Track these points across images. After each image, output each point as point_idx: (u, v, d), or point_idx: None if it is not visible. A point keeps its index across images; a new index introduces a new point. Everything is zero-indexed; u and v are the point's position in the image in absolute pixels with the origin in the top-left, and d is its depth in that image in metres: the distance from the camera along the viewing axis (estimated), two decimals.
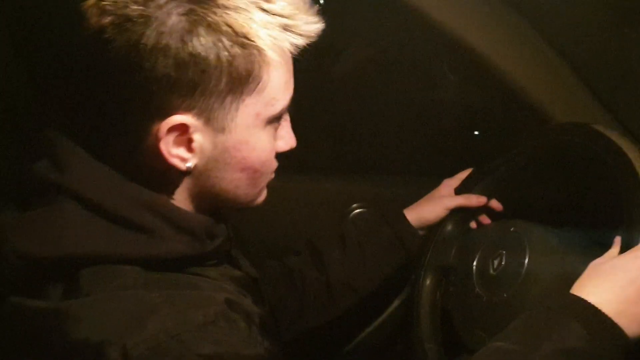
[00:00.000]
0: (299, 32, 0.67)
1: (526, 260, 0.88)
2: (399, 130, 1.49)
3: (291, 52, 0.69)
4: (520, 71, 1.21)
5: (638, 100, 1.21)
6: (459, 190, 1.13)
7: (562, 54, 1.22)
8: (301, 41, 0.68)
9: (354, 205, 1.38)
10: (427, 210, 1.13)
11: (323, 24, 0.69)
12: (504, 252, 0.93)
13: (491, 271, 0.93)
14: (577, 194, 1.19)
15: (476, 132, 1.46)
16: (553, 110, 1.17)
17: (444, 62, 1.43)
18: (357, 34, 1.41)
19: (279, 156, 0.79)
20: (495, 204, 1.12)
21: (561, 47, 1.21)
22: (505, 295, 0.88)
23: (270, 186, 0.81)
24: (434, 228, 1.12)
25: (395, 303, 1.31)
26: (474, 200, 1.10)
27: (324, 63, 1.43)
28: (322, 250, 1.11)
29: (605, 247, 0.80)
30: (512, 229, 0.96)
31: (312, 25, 0.68)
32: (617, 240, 0.78)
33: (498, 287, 0.91)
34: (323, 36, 0.71)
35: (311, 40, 0.69)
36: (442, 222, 1.12)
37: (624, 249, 0.76)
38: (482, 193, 1.11)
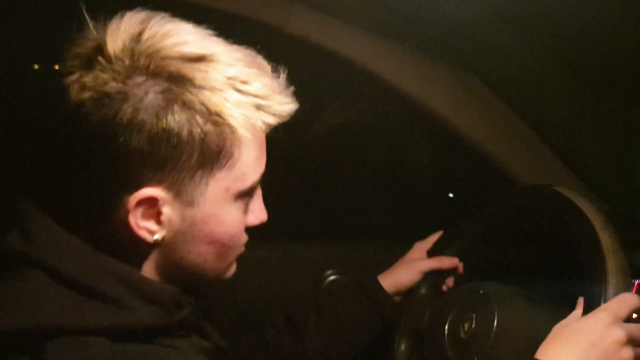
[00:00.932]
0: (271, 112, 0.69)
1: (495, 323, 0.89)
2: (372, 196, 1.51)
3: (264, 130, 0.71)
4: (487, 136, 1.26)
5: (601, 162, 1.26)
6: (431, 253, 1.15)
7: (527, 119, 1.27)
8: (273, 120, 0.70)
9: (329, 271, 1.38)
10: (401, 276, 1.13)
11: (296, 105, 0.72)
12: (474, 315, 0.94)
13: (462, 334, 0.94)
14: (545, 254, 1.21)
15: (450, 195, 1.49)
16: (518, 172, 1.21)
17: (415, 130, 1.47)
18: (331, 102, 1.45)
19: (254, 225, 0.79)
20: (462, 265, 1.13)
21: (526, 114, 1.27)
22: (475, 359, 0.88)
23: (244, 254, 0.82)
24: (408, 292, 1.13)
25: None
26: (446, 262, 1.12)
27: (299, 130, 1.46)
28: (297, 320, 1.11)
29: (572, 305, 0.82)
30: (481, 291, 0.97)
31: (285, 106, 0.71)
32: (580, 301, 0.80)
33: (469, 351, 0.91)
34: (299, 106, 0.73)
35: (283, 119, 0.71)
36: (415, 285, 1.12)
37: (586, 310, 0.78)
38: (453, 254, 1.13)
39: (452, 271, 1.14)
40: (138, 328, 0.68)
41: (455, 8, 1.10)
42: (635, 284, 1.32)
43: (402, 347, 1.08)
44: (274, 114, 0.70)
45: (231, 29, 0.73)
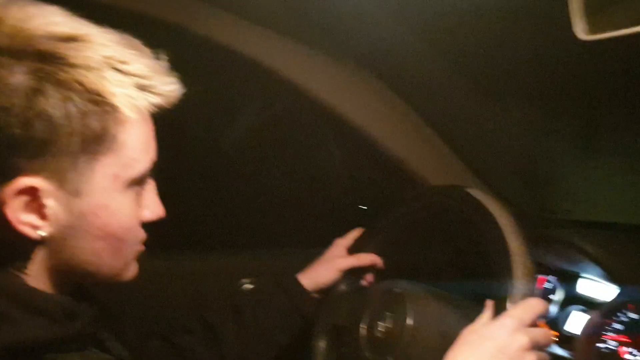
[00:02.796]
0: (156, 92, 0.65)
1: (408, 322, 0.89)
2: (287, 203, 1.50)
3: (150, 113, 0.67)
4: (397, 141, 1.28)
5: (502, 165, 1.31)
6: (351, 250, 1.14)
7: (434, 124, 1.30)
8: (159, 101, 0.66)
9: (244, 280, 1.35)
10: (320, 274, 1.12)
11: (182, 88, 0.69)
12: (389, 314, 0.94)
13: (377, 333, 0.93)
14: (459, 253, 1.24)
15: (363, 207, 1.50)
16: (425, 175, 1.23)
17: (328, 137, 1.48)
18: (242, 108, 1.43)
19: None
20: (382, 262, 1.13)
21: (433, 119, 1.30)
22: (389, 359, 0.88)
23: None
24: (328, 290, 1.12)
25: None
26: (365, 259, 1.12)
27: (209, 136, 1.43)
28: (215, 324, 1.06)
29: (483, 305, 0.83)
30: (395, 290, 0.97)
31: (170, 86, 0.67)
32: (489, 304, 0.81)
33: (383, 350, 0.91)
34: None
35: (171, 102, 0.68)
36: (335, 282, 1.11)
37: (494, 314, 0.79)
38: (373, 251, 1.13)
39: (371, 268, 1.13)
40: (22, 344, 0.62)
41: (363, 14, 1.11)
42: (542, 279, 1.38)
43: (321, 343, 1.07)
44: (159, 94, 0.66)
45: (136, 29, 0.69)
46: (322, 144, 1.46)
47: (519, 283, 0.79)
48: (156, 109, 0.67)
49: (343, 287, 1.11)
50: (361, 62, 1.24)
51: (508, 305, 0.78)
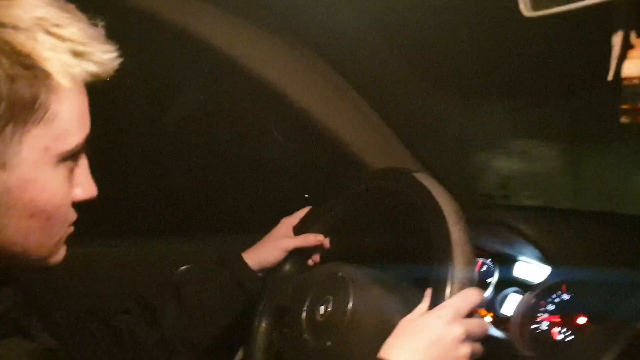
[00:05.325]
0: (93, 59, 0.61)
1: (349, 307, 0.88)
2: (230, 188, 1.47)
3: (85, 82, 0.63)
4: (341, 125, 1.27)
5: (442, 149, 1.33)
6: (297, 229, 1.13)
7: (379, 110, 1.30)
8: (96, 69, 0.62)
9: (184, 267, 1.31)
10: (266, 253, 1.10)
11: (120, 57, 0.65)
12: (331, 297, 0.93)
13: (319, 317, 0.92)
14: (405, 238, 1.24)
15: (306, 195, 1.49)
16: (371, 160, 1.23)
17: (272, 120, 1.46)
18: (185, 88, 1.39)
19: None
20: (329, 243, 1.12)
21: (378, 104, 1.30)
22: (329, 343, 0.87)
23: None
24: (272, 269, 1.10)
25: (240, 354, 1.25)
26: (312, 239, 1.10)
27: (149, 115, 1.38)
28: (154, 304, 1.03)
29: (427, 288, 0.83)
30: (339, 274, 0.96)
31: (107, 54, 0.63)
32: (428, 294, 0.81)
33: (323, 334, 0.89)
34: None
35: (108, 72, 0.64)
36: (280, 262, 1.10)
37: (432, 303, 0.79)
38: (319, 232, 1.11)
39: (317, 248, 1.12)
40: None
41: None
42: (479, 263, 1.41)
43: (263, 323, 1.05)
44: (95, 62, 0.62)
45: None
46: (266, 127, 1.44)
47: (458, 273, 0.79)
48: (92, 79, 0.63)
49: (288, 267, 1.10)
50: (309, 45, 1.23)
51: (446, 295, 0.78)
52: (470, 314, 0.79)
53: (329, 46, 1.22)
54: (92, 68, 0.62)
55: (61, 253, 0.71)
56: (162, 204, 1.45)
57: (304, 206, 1.18)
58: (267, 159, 1.49)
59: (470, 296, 0.79)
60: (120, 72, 0.66)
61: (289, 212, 1.19)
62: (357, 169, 1.27)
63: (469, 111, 1.27)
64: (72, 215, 0.69)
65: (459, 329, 0.76)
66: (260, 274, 1.09)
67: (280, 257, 1.10)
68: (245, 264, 1.07)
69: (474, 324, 0.78)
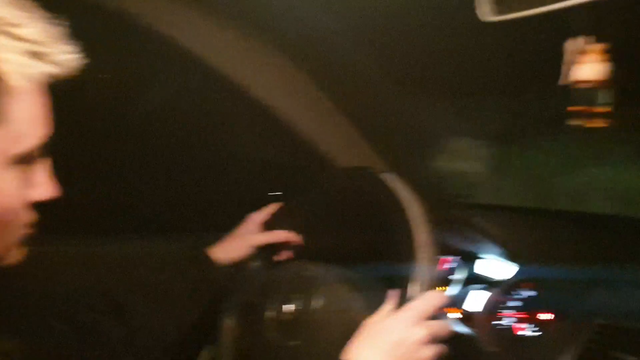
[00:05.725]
0: (51, 60, 0.60)
1: (316, 307, 0.89)
2: (197, 187, 1.46)
3: (44, 83, 0.62)
4: (309, 125, 1.28)
5: (407, 149, 1.34)
6: (264, 227, 1.12)
7: (346, 109, 1.31)
8: (55, 70, 0.61)
9: (151, 264, 1.30)
10: (233, 249, 1.10)
11: (82, 58, 0.64)
12: (299, 296, 0.93)
13: (284, 316, 0.92)
14: (370, 237, 1.25)
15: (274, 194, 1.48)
16: (337, 159, 1.24)
17: (239, 118, 1.45)
18: (149, 86, 1.37)
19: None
20: (297, 239, 1.12)
21: (345, 104, 1.30)
22: (295, 342, 0.88)
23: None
24: (241, 266, 1.10)
25: (207, 350, 1.24)
26: (280, 236, 1.10)
27: (114, 114, 1.36)
28: (120, 299, 1.01)
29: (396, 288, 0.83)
30: (307, 273, 0.96)
31: (67, 55, 0.62)
32: (392, 294, 0.82)
33: (290, 333, 0.90)
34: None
35: (69, 72, 0.63)
36: (249, 258, 1.10)
37: (397, 306, 0.80)
38: (287, 228, 1.11)
39: (286, 245, 1.12)
40: None
41: None
42: (445, 261, 1.43)
43: (230, 320, 1.04)
44: (54, 63, 0.60)
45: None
46: (233, 125, 1.43)
47: (422, 274, 0.80)
48: (52, 80, 0.62)
49: (256, 264, 1.09)
50: (276, 43, 1.22)
51: (410, 296, 0.79)
52: (434, 316, 0.80)
53: (296, 45, 1.22)
54: (51, 69, 0.60)
55: (15, 255, 0.69)
56: (129, 202, 1.43)
57: (270, 203, 1.18)
58: (234, 157, 1.48)
59: (434, 298, 0.80)
60: (85, 71, 0.65)
61: (256, 209, 1.19)
62: (324, 168, 1.27)
63: (434, 112, 1.28)
64: (28, 217, 0.68)
65: (422, 331, 0.76)
66: (227, 271, 1.09)
67: (247, 253, 1.09)
68: (212, 260, 1.07)
69: (437, 325, 0.79)
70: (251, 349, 0.99)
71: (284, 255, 1.13)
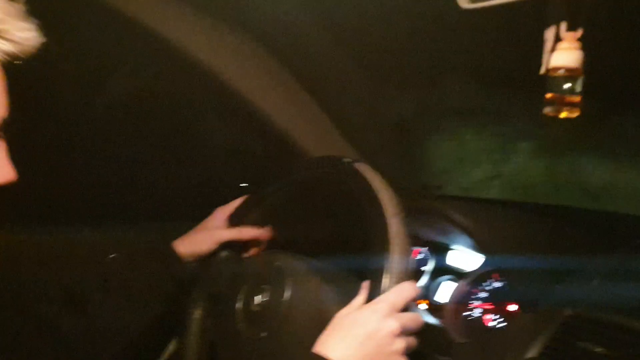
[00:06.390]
0: (8, 37, 0.58)
1: (286, 298, 0.86)
2: (165, 175, 1.43)
3: (2, 63, 0.59)
4: (280, 113, 1.26)
5: (380, 140, 1.33)
6: (232, 220, 1.10)
7: (318, 99, 1.30)
8: (12, 48, 0.58)
9: (112, 255, 1.26)
10: (198, 242, 1.07)
11: (41, 36, 0.61)
12: (268, 287, 0.91)
13: (254, 307, 0.90)
14: (342, 227, 1.24)
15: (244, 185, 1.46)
16: (310, 149, 1.22)
17: (210, 106, 1.42)
18: (115, 69, 1.33)
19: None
20: (266, 233, 1.10)
21: (318, 93, 1.29)
22: (263, 334, 0.86)
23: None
24: (210, 255, 1.07)
25: (172, 345, 1.22)
26: (247, 232, 1.08)
27: (77, 97, 1.31)
28: (78, 292, 0.98)
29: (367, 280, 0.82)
30: (277, 263, 0.94)
31: (25, 33, 0.59)
32: (364, 286, 0.80)
33: (258, 324, 0.88)
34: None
35: (26, 51, 0.60)
36: (217, 249, 1.07)
37: (368, 298, 0.78)
38: (255, 222, 1.09)
39: (253, 241, 1.10)
40: None
41: None
42: (415, 252, 1.43)
43: (198, 310, 1.02)
44: (11, 41, 0.58)
45: None
46: (203, 113, 1.40)
47: (394, 266, 0.79)
48: (8, 59, 0.59)
49: (224, 254, 1.07)
50: (249, 32, 1.20)
51: (382, 288, 0.78)
52: (406, 308, 0.79)
53: (269, 34, 1.19)
54: (7, 47, 0.58)
55: None
56: (93, 190, 1.39)
57: (240, 194, 1.15)
58: (203, 146, 1.45)
59: (406, 290, 0.78)
60: (45, 52, 0.62)
61: (225, 199, 1.16)
62: (296, 157, 1.25)
63: (407, 102, 1.28)
64: None
65: (393, 324, 0.75)
66: (192, 264, 1.06)
67: (213, 248, 1.07)
68: (176, 254, 1.04)
69: (408, 318, 0.78)
70: (219, 340, 0.97)
71: (252, 249, 1.11)
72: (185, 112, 1.39)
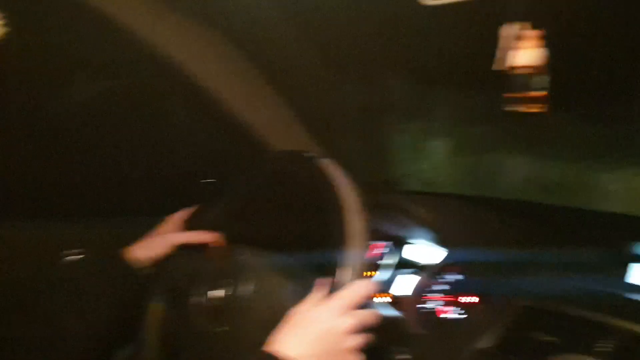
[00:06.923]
0: None
1: (246, 293, 0.87)
2: (129, 170, 1.40)
3: None
4: (244, 107, 1.25)
5: (345, 135, 1.34)
6: (188, 225, 1.09)
7: (283, 93, 1.29)
8: None
9: (71, 256, 1.24)
10: (153, 248, 1.05)
11: (6, 25, 0.59)
12: (228, 282, 0.91)
13: (215, 301, 0.90)
14: (303, 223, 1.24)
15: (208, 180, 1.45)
16: (274, 143, 1.22)
17: (174, 100, 1.41)
18: (80, 63, 1.30)
19: None
20: (221, 237, 1.09)
21: (282, 88, 1.29)
22: (223, 328, 0.86)
23: None
24: (160, 265, 1.06)
25: (123, 351, 1.20)
26: (202, 236, 1.06)
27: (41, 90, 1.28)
28: (28, 301, 0.96)
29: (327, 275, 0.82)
30: (238, 258, 0.94)
31: None
32: (322, 283, 0.80)
33: (218, 319, 0.88)
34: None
35: None
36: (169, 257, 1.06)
37: (325, 295, 0.78)
38: (211, 225, 1.08)
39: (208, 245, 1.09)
40: None
41: None
42: (377, 246, 1.45)
43: (158, 303, 1.01)
44: None
45: None
46: (167, 108, 1.38)
47: (352, 263, 0.79)
48: None
49: (184, 251, 1.06)
50: (212, 25, 1.19)
51: (339, 285, 0.78)
52: (363, 304, 0.79)
53: (233, 27, 1.19)
54: None
55: None
56: (56, 185, 1.36)
57: (206, 189, 1.14)
58: (168, 141, 1.44)
59: (363, 287, 0.78)
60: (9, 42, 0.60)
61: (189, 194, 1.15)
62: (260, 152, 1.25)
63: (371, 98, 1.29)
64: None
65: (349, 321, 0.75)
66: (146, 270, 1.05)
67: (169, 252, 1.05)
68: (128, 260, 1.02)
69: (364, 315, 0.78)
70: (177, 335, 0.96)
71: (209, 254, 1.09)
72: (150, 106, 1.37)
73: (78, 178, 1.38)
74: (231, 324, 0.86)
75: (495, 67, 0.59)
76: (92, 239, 1.25)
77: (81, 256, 1.22)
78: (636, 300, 0.98)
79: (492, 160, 1.33)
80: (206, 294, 0.92)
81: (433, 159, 1.38)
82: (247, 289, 0.87)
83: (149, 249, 1.05)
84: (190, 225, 1.08)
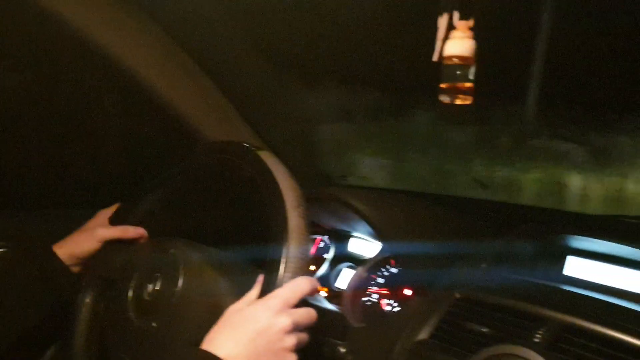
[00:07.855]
0: None
1: (178, 288, 0.83)
2: (56, 162, 1.34)
3: None
4: (180, 98, 1.22)
5: (286, 129, 1.33)
6: (114, 220, 1.04)
7: (221, 85, 1.27)
8: None
9: None
10: (79, 244, 1.01)
11: None
12: (160, 275, 0.87)
13: (146, 295, 0.87)
14: (243, 215, 1.21)
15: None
16: (211, 135, 1.19)
17: (104, 91, 1.35)
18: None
19: None
20: (146, 232, 1.05)
21: (220, 80, 1.26)
22: (153, 324, 0.82)
23: None
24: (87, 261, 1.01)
25: (51, 350, 1.15)
26: (130, 232, 1.02)
27: None
28: None
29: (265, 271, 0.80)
30: (170, 251, 0.89)
31: None
32: (259, 280, 0.79)
33: (149, 314, 0.84)
34: None
35: None
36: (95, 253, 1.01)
37: (262, 292, 0.77)
38: (143, 218, 1.04)
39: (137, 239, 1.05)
40: None
41: None
42: (317, 240, 1.44)
43: (88, 296, 0.97)
44: None
45: None
46: (96, 97, 1.33)
47: (291, 260, 0.77)
48: None
49: (117, 242, 1.02)
50: (149, 15, 1.14)
51: (277, 283, 0.76)
52: (300, 302, 0.77)
53: (171, 18, 1.15)
54: None
55: None
56: None
57: (136, 179, 1.10)
58: (97, 132, 1.38)
59: (301, 286, 0.77)
60: None
61: (120, 185, 1.11)
62: (195, 143, 1.22)
63: (311, 93, 1.28)
64: None
65: (286, 320, 0.74)
66: (74, 267, 1.00)
67: (95, 248, 1.00)
68: (55, 256, 0.98)
69: (301, 314, 0.77)
70: (109, 327, 0.92)
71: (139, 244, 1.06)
72: (81, 98, 1.31)
73: (3, 169, 1.31)
74: (161, 320, 0.82)
75: (433, 58, 0.59)
76: (17, 233, 1.19)
77: (3, 249, 1.15)
78: (570, 292, 1.01)
79: (431, 157, 1.35)
80: (137, 287, 0.89)
81: (372, 155, 1.39)
82: (179, 283, 0.84)
83: (74, 245, 1.00)
84: (120, 219, 1.04)
